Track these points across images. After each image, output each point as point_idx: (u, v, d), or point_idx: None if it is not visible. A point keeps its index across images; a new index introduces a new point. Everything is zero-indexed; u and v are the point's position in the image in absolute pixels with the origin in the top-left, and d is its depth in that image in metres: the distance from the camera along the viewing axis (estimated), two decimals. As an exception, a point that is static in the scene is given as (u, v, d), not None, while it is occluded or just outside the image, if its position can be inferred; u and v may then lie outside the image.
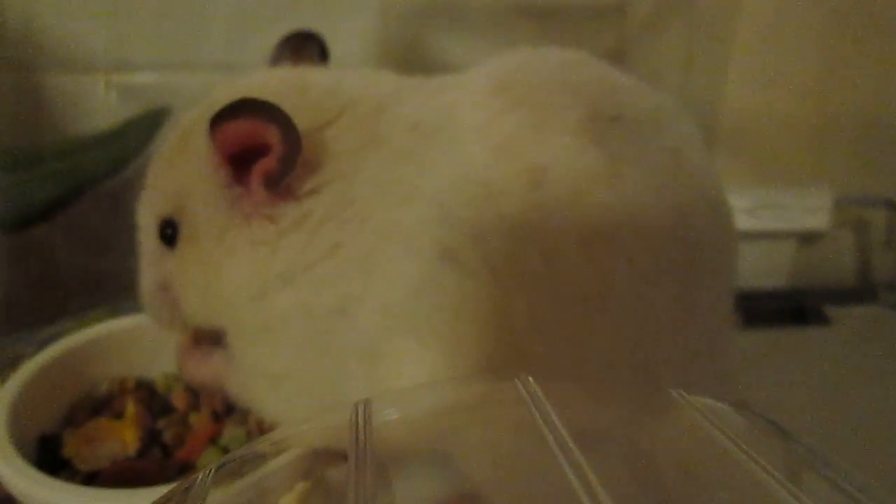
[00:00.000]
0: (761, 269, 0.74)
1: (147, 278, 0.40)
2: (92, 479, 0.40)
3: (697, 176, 0.38)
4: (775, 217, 0.68)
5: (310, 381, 0.36)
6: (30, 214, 0.53)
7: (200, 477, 0.23)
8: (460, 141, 0.35)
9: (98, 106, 0.70)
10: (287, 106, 0.33)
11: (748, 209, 0.69)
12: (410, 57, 0.75)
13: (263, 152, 0.34)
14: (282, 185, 0.35)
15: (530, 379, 0.22)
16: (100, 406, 0.46)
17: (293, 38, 0.44)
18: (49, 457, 0.41)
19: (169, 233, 0.38)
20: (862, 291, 0.78)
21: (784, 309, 0.70)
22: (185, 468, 0.42)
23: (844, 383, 0.58)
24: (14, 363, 0.50)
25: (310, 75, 0.39)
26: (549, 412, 0.21)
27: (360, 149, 0.35)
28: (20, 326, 0.55)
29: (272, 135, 0.33)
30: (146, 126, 0.65)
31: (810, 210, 0.69)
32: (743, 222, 0.70)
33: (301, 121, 0.34)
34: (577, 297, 0.34)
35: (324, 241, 0.35)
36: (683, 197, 0.36)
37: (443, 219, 0.34)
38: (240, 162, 0.35)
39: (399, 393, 0.28)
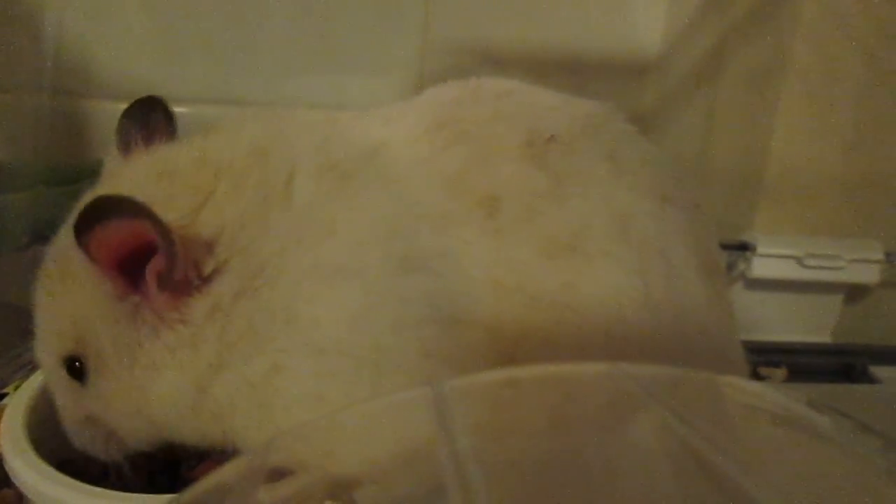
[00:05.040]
0: (805, 322, 0.73)
1: (70, 417, 0.36)
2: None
3: (638, 173, 0.39)
4: (824, 267, 0.67)
5: None
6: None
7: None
8: (398, 178, 0.36)
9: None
10: (156, 197, 0.32)
11: (798, 257, 0.68)
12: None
13: (151, 251, 0.31)
14: (179, 280, 0.32)
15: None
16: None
17: (136, 106, 0.40)
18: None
19: (78, 368, 0.35)
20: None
21: (830, 366, 0.69)
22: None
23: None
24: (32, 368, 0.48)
25: (171, 154, 0.36)
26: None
27: (256, 207, 0.34)
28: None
29: (149, 230, 0.30)
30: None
31: (861, 262, 0.68)
32: (791, 271, 0.70)
33: (175, 208, 0.32)
34: (545, 303, 0.35)
35: (242, 317, 0.33)
36: (625, 200, 0.38)
37: (393, 234, 0.34)
38: (128, 269, 0.32)
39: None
